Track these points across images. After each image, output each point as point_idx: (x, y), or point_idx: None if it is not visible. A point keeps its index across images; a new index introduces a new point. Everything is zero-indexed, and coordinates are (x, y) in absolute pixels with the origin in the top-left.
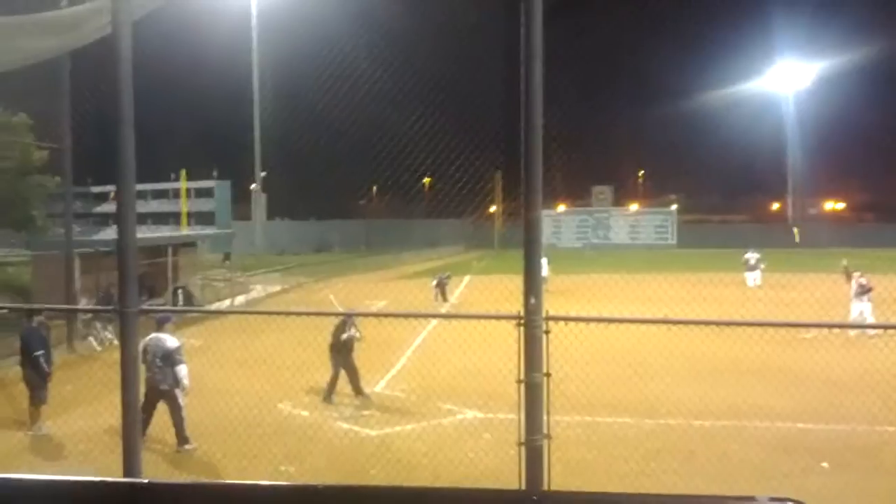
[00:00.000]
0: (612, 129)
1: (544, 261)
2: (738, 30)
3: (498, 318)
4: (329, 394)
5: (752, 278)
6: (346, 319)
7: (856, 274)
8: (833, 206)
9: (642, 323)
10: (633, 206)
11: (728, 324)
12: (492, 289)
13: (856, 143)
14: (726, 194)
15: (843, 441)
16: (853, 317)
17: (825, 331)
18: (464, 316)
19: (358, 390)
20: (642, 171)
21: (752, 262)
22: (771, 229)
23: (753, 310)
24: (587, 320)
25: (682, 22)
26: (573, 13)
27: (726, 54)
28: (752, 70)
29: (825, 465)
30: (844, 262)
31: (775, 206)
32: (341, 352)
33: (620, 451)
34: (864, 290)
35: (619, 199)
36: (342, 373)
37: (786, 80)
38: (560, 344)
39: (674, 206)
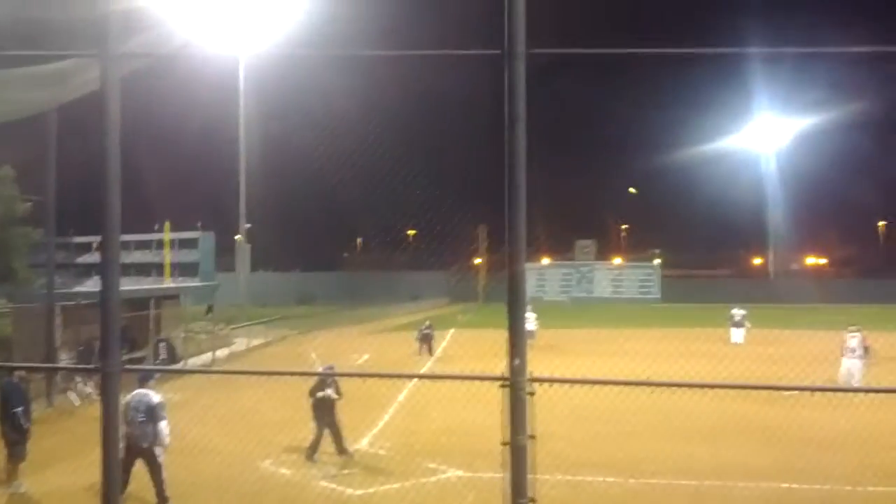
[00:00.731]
0: (595, 184)
1: (532, 315)
2: (720, 88)
3: (482, 379)
4: (312, 452)
5: (737, 335)
6: (325, 377)
7: (852, 328)
8: (815, 261)
9: (626, 385)
10: (617, 260)
11: (711, 386)
12: (477, 343)
13: (835, 200)
14: (708, 249)
15: (827, 500)
16: (841, 373)
17: None
18: (447, 377)
19: (341, 450)
20: (625, 226)
21: (738, 318)
22: (754, 284)
23: (739, 366)
24: (572, 381)
25: (665, 81)
26: (557, 73)
27: (708, 112)
28: (734, 127)
29: None
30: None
31: (757, 260)
32: (323, 410)
33: None
34: (862, 349)
35: (603, 253)
36: (325, 431)
37: (766, 137)
38: (545, 404)
39: (657, 261)
